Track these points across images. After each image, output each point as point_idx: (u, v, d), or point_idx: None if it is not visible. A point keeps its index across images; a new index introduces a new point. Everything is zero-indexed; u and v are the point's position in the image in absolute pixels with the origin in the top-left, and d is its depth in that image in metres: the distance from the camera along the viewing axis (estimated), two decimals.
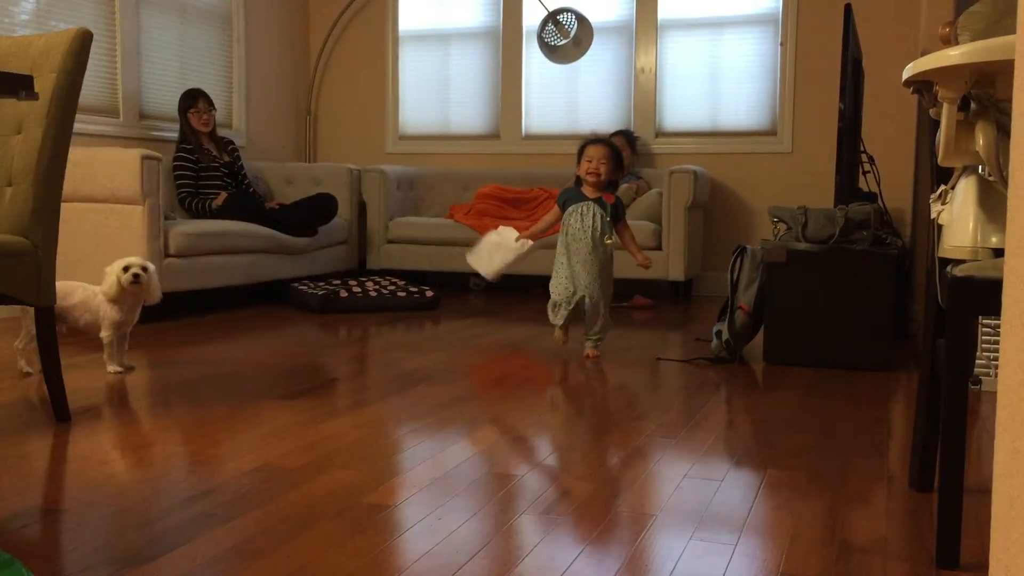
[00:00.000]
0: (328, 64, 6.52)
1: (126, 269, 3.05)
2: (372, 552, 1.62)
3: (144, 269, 3.07)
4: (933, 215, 1.83)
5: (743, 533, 1.74)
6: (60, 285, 3.04)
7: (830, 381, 3.18)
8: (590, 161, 3.52)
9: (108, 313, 3.09)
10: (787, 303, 3.47)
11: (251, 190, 5.30)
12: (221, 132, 5.35)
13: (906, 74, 1.62)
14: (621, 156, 3.62)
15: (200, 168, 5.02)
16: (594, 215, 3.49)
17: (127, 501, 1.87)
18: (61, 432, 2.39)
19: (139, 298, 3.13)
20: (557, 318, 3.56)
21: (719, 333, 3.54)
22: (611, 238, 3.51)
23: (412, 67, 6.38)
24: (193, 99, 5.07)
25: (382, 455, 2.25)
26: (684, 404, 2.83)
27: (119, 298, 3.07)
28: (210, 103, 5.13)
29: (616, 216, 3.53)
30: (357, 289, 4.91)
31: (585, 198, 3.52)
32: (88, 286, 3.13)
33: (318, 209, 5.25)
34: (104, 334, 3.10)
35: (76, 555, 1.59)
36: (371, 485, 1.99)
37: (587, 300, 3.50)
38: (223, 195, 4.97)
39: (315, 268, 5.34)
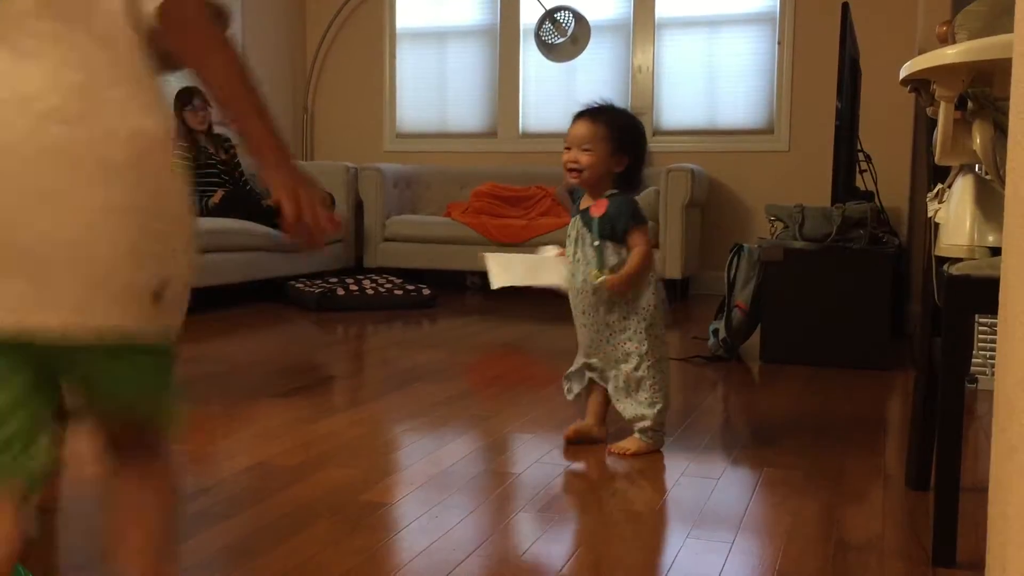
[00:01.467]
0: (325, 62, 6.52)
1: None
2: (369, 550, 1.62)
3: None
4: (930, 214, 1.83)
5: (740, 531, 1.74)
6: None
7: (827, 379, 3.18)
8: (568, 148, 2.23)
9: None
10: (784, 302, 3.47)
11: (248, 187, 5.29)
12: (218, 130, 5.34)
13: (903, 73, 1.62)
14: (628, 129, 2.26)
15: (197, 166, 5.01)
16: (578, 239, 2.26)
17: None
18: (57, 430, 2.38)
19: None
20: (568, 392, 2.37)
21: (716, 331, 3.54)
22: (604, 274, 2.19)
23: (409, 65, 6.37)
24: (189, 97, 5.06)
25: (379, 453, 2.25)
26: (681, 402, 2.83)
27: None
28: (206, 101, 5.11)
29: (609, 235, 2.20)
30: (354, 287, 4.90)
31: (578, 210, 2.28)
32: None
33: None
34: None
35: (73, 554, 1.59)
36: (368, 483, 1.99)
37: (595, 374, 2.30)
38: (220, 193, 4.97)
39: (312, 266, 5.33)
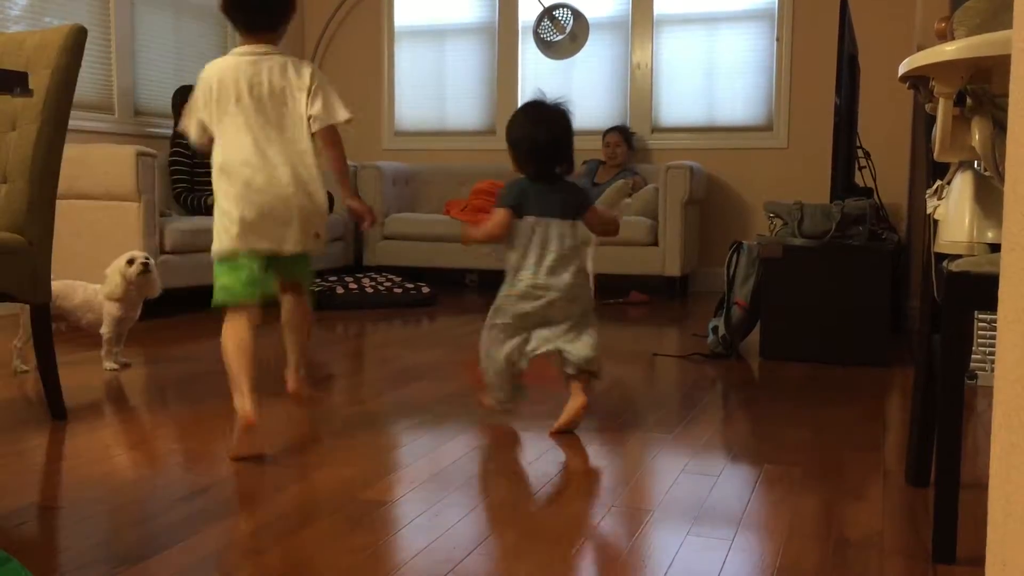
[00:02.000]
0: (324, 60, 6.51)
1: (130, 263, 3.05)
2: (370, 548, 1.62)
3: (147, 260, 3.09)
4: (929, 210, 1.83)
5: (740, 528, 1.74)
6: (61, 285, 3.03)
7: (826, 376, 3.18)
8: None
9: (109, 310, 3.08)
10: (783, 299, 3.47)
11: None
12: None
13: (902, 69, 1.62)
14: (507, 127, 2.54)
15: (195, 164, 5.01)
16: None
17: (124, 498, 1.87)
18: (57, 429, 2.39)
19: (142, 293, 3.12)
20: None
21: (715, 329, 3.54)
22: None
23: (408, 63, 6.36)
24: (186, 95, 5.05)
25: (379, 451, 2.25)
26: (680, 400, 2.83)
27: (123, 296, 3.06)
28: None
29: None
30: (354, 286, 4.90)
31: None
32: (89, 285, 3.12)
33: None
34: (104, 330, 3.09)
35: (73, 553, 1.59)
36: (368, 481, 1.99)
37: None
38: None
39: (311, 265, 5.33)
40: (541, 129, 2.43)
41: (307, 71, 2.35)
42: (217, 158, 2.30)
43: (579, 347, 2.40)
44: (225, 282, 2.25)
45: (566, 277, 2.38)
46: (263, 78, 2.30)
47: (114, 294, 3.05)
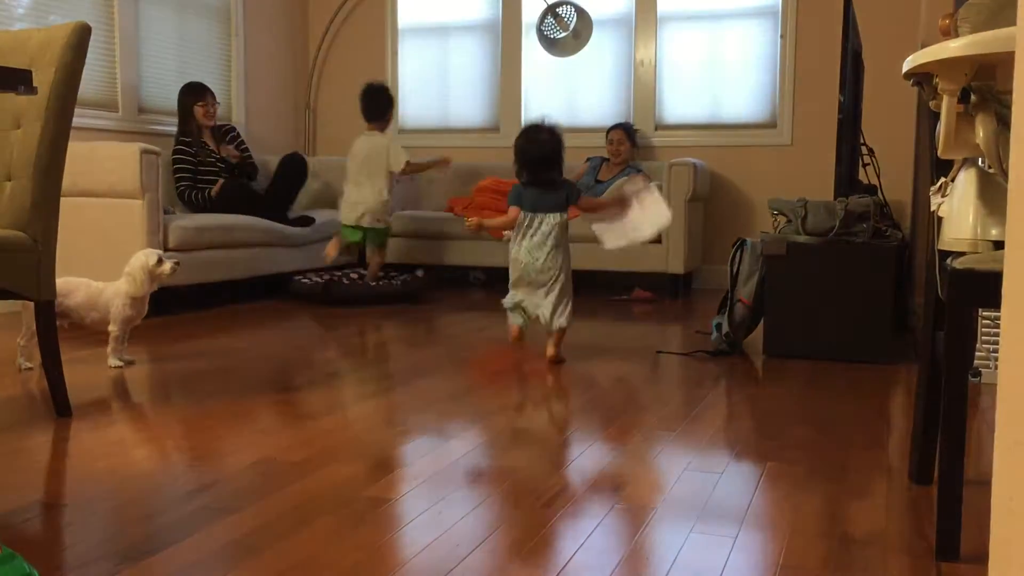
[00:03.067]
0: (327, 58, 6.51)
1: (160, 262, 3.08)
2: (373, 546, 1.62)
3: (177, 260, 3.17)
4: (933, 207, 1.83)
5: (743, 526, 1.74)
6: (61, 282, 3.03)
7: (830, 374, 3.18)
8: None
9: (121, 309, 3.08)
10: (787, 296, 3.47)
11: (247, 180, 5.27)
12: (220, 123, 5.34)
13: (906, 66, 1.61)
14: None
15: (199, 161, 5.01)
16: None
17: (128, 495, 1.87)
18: (62, 427, 2.39)
19: (151, 290, 3.15)
20: None
21: (719, 326, 3.54)
22: None
23: (411, 61, 6.36)
24: (200, 93, 5.03)
25: (382, 449, 2.25)
26: (684, 397, 2.83)
27: (145, 294, 3.10)
28: (215, 97, 5.11)
29: None
30: (358, 281, 4.92)
31: None
32: (92, 282, 3.12)
33: (288, 175, 5.24)
34: (114, 328, 3.10)
35: (78, 550, 1.59)
36: (372, 479, 1.99)
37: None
38: (219, 183, 4.97)
39: (315, 261, 5.33)
40: (533, 147, 3.33)
41: (386, 142, 4.97)
42: (346, 185, 5.01)
43: (545, 306, 3.28)
44: (344, 232, 4.98)
45: (545, 251, 3.27)
46: (372, 147, 4.94)
47: (139, 292, 3.06)
